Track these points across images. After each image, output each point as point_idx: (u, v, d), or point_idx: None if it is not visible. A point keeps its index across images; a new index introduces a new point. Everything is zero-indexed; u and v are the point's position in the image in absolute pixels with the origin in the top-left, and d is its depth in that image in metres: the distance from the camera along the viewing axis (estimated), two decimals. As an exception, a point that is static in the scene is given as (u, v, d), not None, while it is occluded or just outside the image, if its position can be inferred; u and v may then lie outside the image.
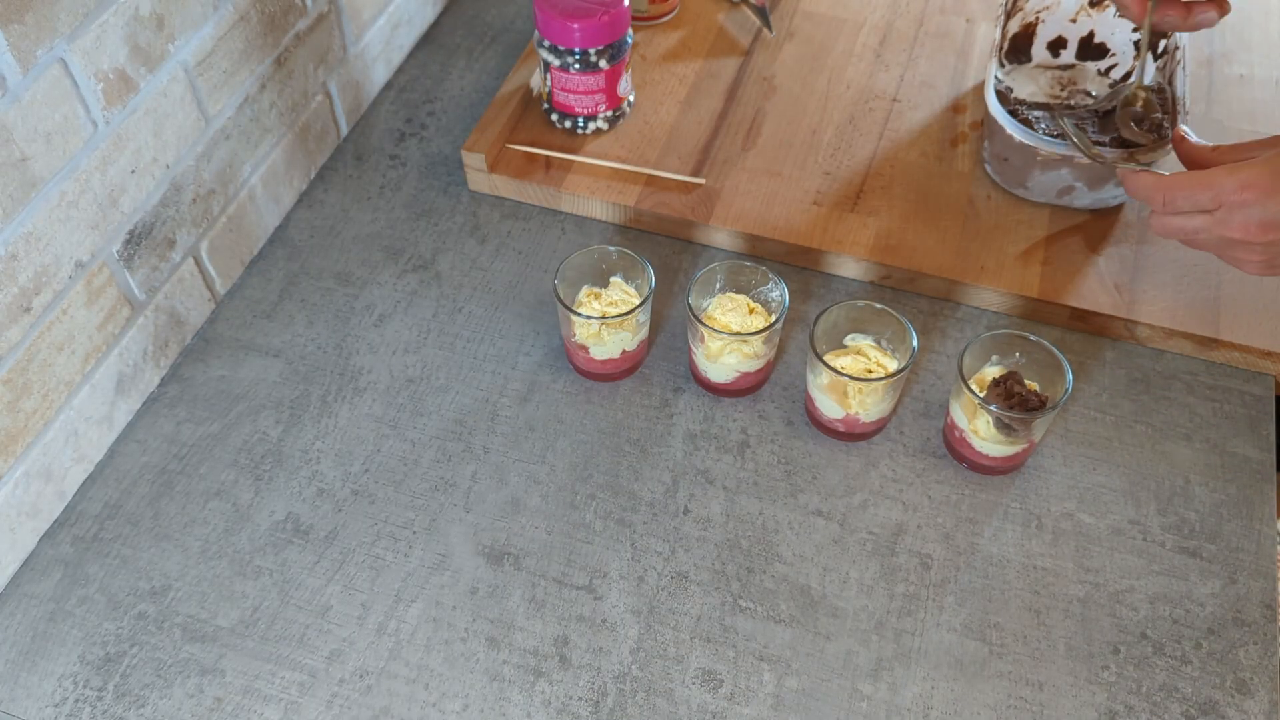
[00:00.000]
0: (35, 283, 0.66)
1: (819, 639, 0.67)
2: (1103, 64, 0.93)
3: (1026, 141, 0.81)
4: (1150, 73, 0.87)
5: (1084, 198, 0.84)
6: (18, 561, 0.70)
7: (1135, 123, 0.80)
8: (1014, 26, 0.92)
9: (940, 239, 0.84)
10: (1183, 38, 0.86)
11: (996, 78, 0.85)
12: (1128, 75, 0.92)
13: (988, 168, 0.88)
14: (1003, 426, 0.69)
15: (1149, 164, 0.77)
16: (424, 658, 0.66)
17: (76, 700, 0.65)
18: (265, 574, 0.70)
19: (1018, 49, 0.94)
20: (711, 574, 0.69)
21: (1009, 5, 0.90)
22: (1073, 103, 0.90)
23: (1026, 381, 0.71)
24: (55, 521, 0.73)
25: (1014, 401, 0.69)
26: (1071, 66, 0.94)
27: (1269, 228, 0.64)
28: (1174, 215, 0.68)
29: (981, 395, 0.70)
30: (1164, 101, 0.84)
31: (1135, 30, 0.90)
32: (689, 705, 0.64)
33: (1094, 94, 0.91)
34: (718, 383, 0.76)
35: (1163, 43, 0.88)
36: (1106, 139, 0.82)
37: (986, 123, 0.86)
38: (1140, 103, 0.80)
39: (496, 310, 0.83)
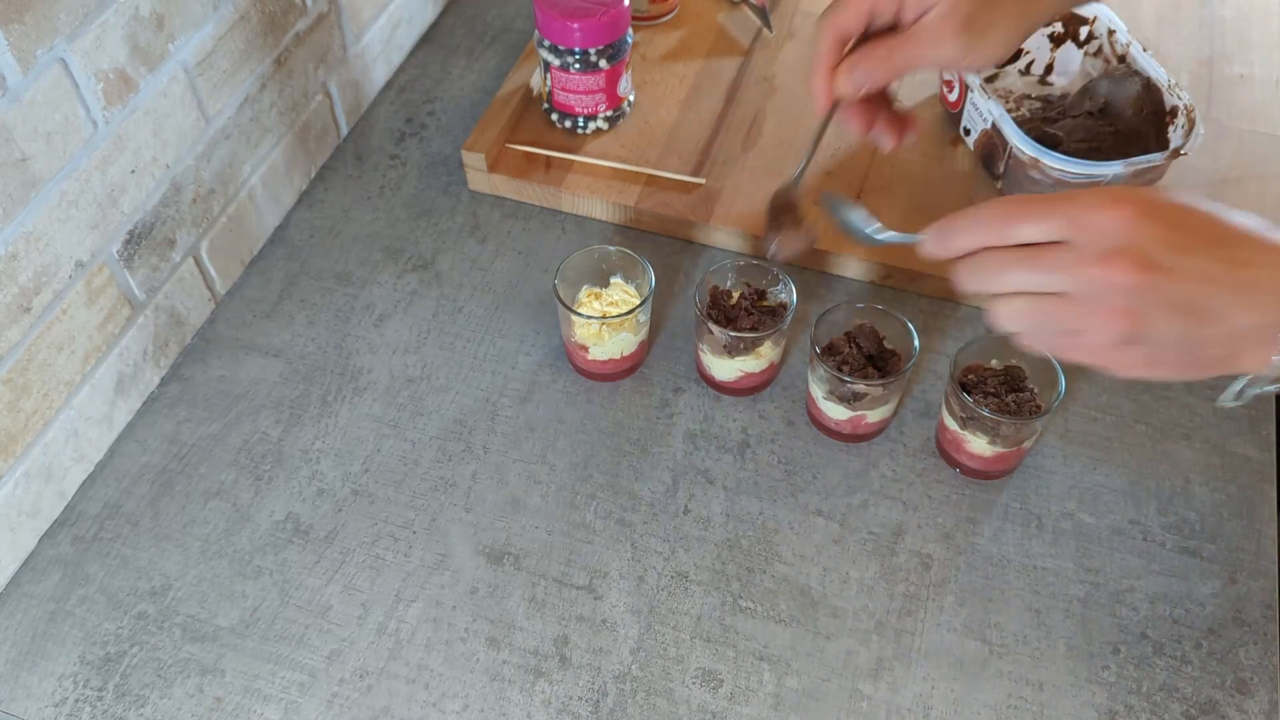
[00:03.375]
0: (35, 282, 0.66)
1: (819, 639, 0.67)
2: (1020, 64, 0.93)
3: (1093, 172, 0.77)
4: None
5: None
6: (18, 561, 0.70)
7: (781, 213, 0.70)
8: None
9: (940, 239, 0.84)
10: (1113, 19, 0.86)
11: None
12: (1050, 67, 0.92)
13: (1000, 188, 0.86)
14: (980, 423, 0.69)
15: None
16: (424, 658, 0.66)
17: (76, 700, 0.65)
18: (265, 574, 0.70)
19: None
20: (711, 574, 0.69)
21: None
22: (1025, 112, 0.90)
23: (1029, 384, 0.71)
24: (55, 521, 0.73)
25: (1001, 399, 0.69)
26: (995, 76, 0.93)
27: (1147, 265, 0.47)
28: (1014, 262, 0.49)
29: (971, 397, 0.70)
30: (1149, 88, 0.83)
31: (1046, 25, 0.90)
32: (689, 705, 0.64)
33: (1034, 97, 0.91)
34: (724, 381, 0.76)
35: (1084, 29, 0.89)
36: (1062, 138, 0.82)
37: (1015, 164, 0.82)
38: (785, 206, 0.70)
39: (496, 310, 0.83)
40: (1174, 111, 0.80)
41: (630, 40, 0.88)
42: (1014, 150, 0.79)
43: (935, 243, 0.53)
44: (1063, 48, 0.91)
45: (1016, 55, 0.93)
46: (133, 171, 0.72)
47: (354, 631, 0.67)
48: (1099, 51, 0.88)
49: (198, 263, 0.81)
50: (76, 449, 0.73)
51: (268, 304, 0.84)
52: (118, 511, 0.73)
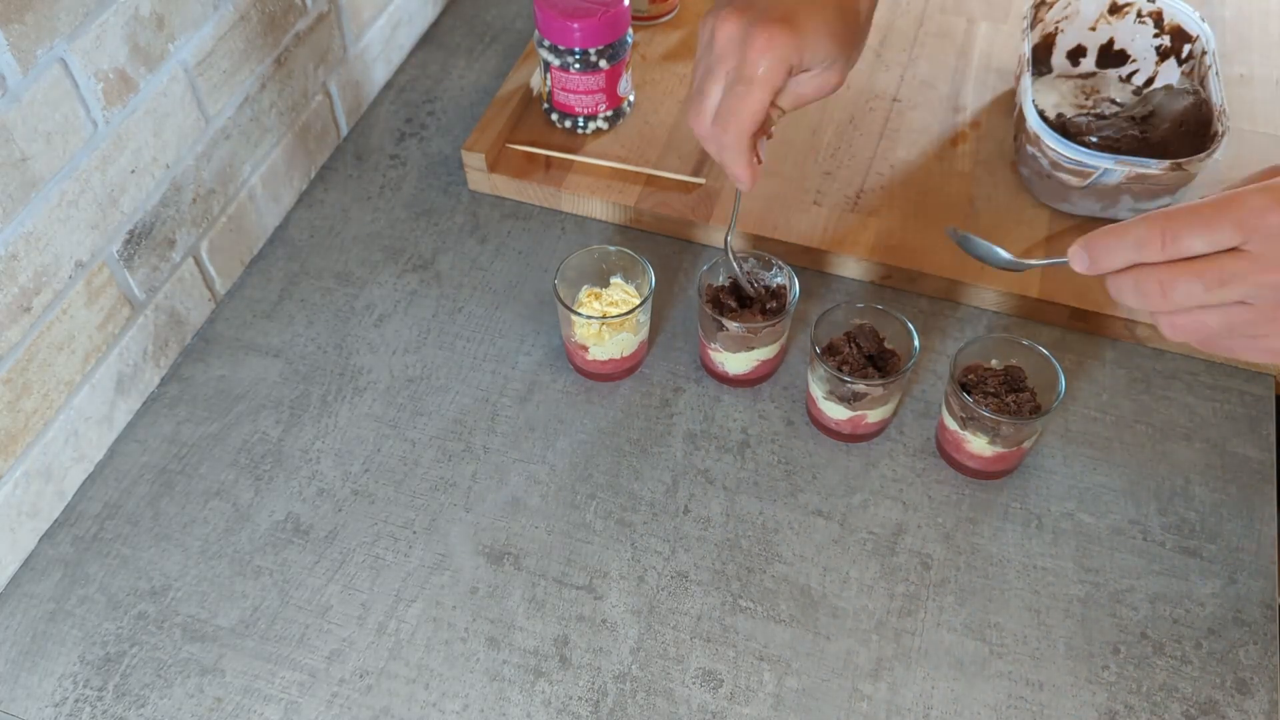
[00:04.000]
0: (35, 282, 0.66)
1: (819, 639, 0.67)
2: (1124, 70, 0.92)
3: (1084, 160, 0.78)
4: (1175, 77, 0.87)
5: (1127, 209, 0.83)
6: (18, 561, 0.70)
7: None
8: (1035, 37, 0.92)
9: (940, 239, 0.84)
10: (1209, 40, 0.85)
11: (1033, 100, 0.83)
12: (1150, 81, 0.91)
13: (1030, 185, 0.86)
14: (980, 424, 0.69)
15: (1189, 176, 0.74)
16: (424, 658, 0.66)
17: (76, 700, 0.65)
18: (265, 574, 0.70)
19: (1037, 59, 0.93)
20: (711, 574, 0.69)
21: (1031, 17, 0.89)
22: (1102, 111, 0.90)
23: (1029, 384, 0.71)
24: (55, 521, 0.73)
25: (1001, 399, 0.69)
26: (1093, 75, 0.93)
27: None
28: (1184, 280, 0.47)
29: (971, 397, 0.70)
30: (1200, 108, 0.83)
31: (1156, 35, 0.90)
32: (689, 705, 0.64)
33: (1119, 102, 0.91)
34: (737, 374, 0.76)
35: (1187, 47, 0.88)
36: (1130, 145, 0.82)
37: (1025, 140, 0.83)
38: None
39: (496, 310, 0.83)
40: (1215, 134, 0.80)
41: (630, 40, 0.89)
42: (1027, 124, 0.81)
43: (1086, 262, 0.50)
44: (1166, 63, 0.90)
45: (1121, 61, 0.92)
46: (133, 171, 0.72)
47: (354, 631, 0.67)
48: (1191, 71, 0.88)
49: (198, 263, 0.81)
50: (76, 449, 0.73)
51: (268, 304, 0.84)
52: (118, 511, 0.73)
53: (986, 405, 0.69)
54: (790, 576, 0.69)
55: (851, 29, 0.61)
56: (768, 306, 0.75)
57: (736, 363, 0.75)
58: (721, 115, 0.60)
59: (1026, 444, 0.71)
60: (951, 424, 0.71)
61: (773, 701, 0.64)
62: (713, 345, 0.75)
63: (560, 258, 0.85)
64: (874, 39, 1.00)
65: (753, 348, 0.74)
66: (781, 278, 0.75)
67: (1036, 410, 0.69)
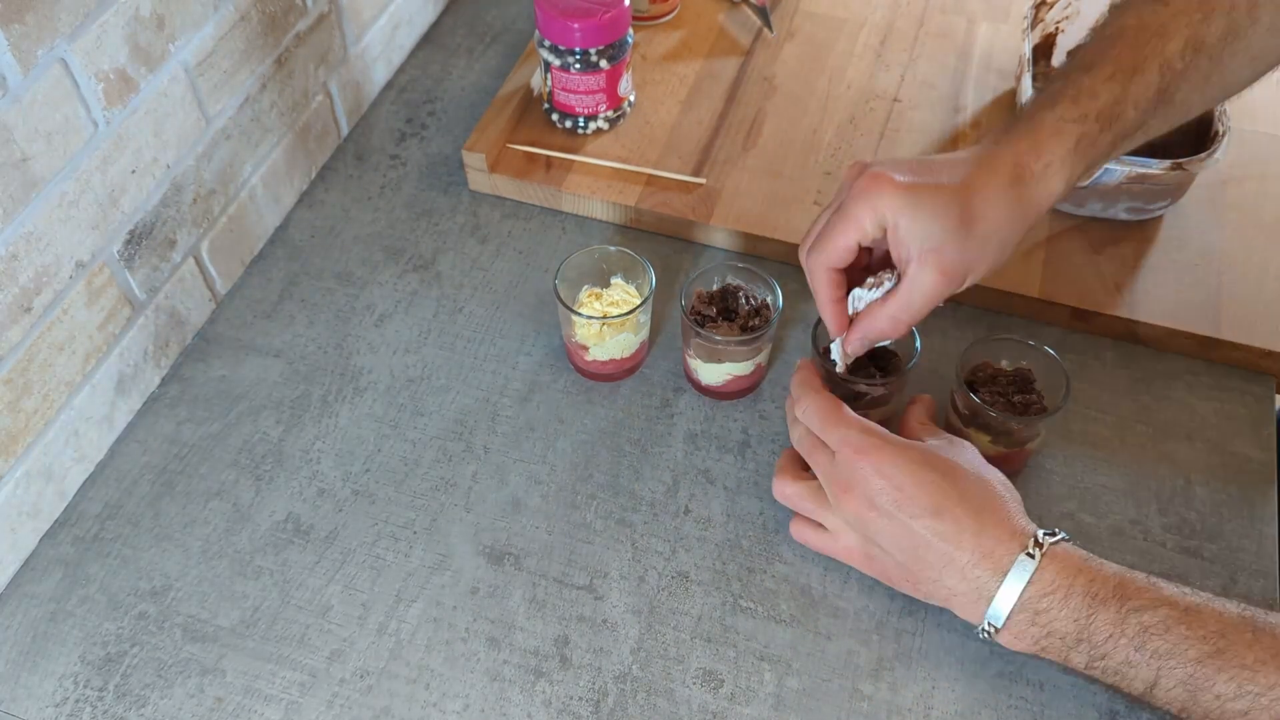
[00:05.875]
0: (36, 283, 0.66)
1: (820, 639, 0.67)
2: None
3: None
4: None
5: (1126, 209, 0.83)
6: (18, 561, 0.70)
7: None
8: (1035, 37, 0.91)
9: (941, 239, 0.84)
10: None
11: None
12: None
13: None
14: (984, 424, 0.69)
15: None
16: (424, 658, 0.66)
17: (77, 700, 0.65)
18: (266, 574, 0.70)
19: (1036, 60, 0.93)
20: (712, 574, 0.69)
21: (1032, 17, 0.89)
22: None
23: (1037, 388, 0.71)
24: (56, 521, 0.73)
25: (1007, 399, 0.69)
26: None
27: (870, 506, 0.61)
28: (795, 430, 0.67)
29: (978, 397, 0.70)
30: None
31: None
32: (689, 705, 0.64)
33: None
34: (710, 385, 0.76)
35: None
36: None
37: None
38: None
39: (497, 310, 0.83)
40: (1216, 134, 0.80)
41: (630, 40, 0.89)
42: None
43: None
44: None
45: None
46: (133, 171, 0.72)
47: (354, 631, 0.67)
48: None
49: (198, 263, 0.81)
50: (77, 449, 0.73)
51: (268, 304, 0.84)
52: (118, 512, 0.73)
53: (992, 406, 0.69)
54: (791, 576, 0.69)
55: (970, 226, 0.58)
56: (750, 324, 0.73)
57: (709, 373, 0.75)
58: (813, 242, 0.64)
59: (1030, 445, 0.70)
60: (955, 424, 0.71)
61: (773, 701, 0.64)
62: (689, 351, 0.75)
63: (561, 258, 0.85)
64: (874, 39, 1.00)
65: (723, 360, 0.73)
66: (770, 295, 0.74)
67: (1043, 411, 0.69)
